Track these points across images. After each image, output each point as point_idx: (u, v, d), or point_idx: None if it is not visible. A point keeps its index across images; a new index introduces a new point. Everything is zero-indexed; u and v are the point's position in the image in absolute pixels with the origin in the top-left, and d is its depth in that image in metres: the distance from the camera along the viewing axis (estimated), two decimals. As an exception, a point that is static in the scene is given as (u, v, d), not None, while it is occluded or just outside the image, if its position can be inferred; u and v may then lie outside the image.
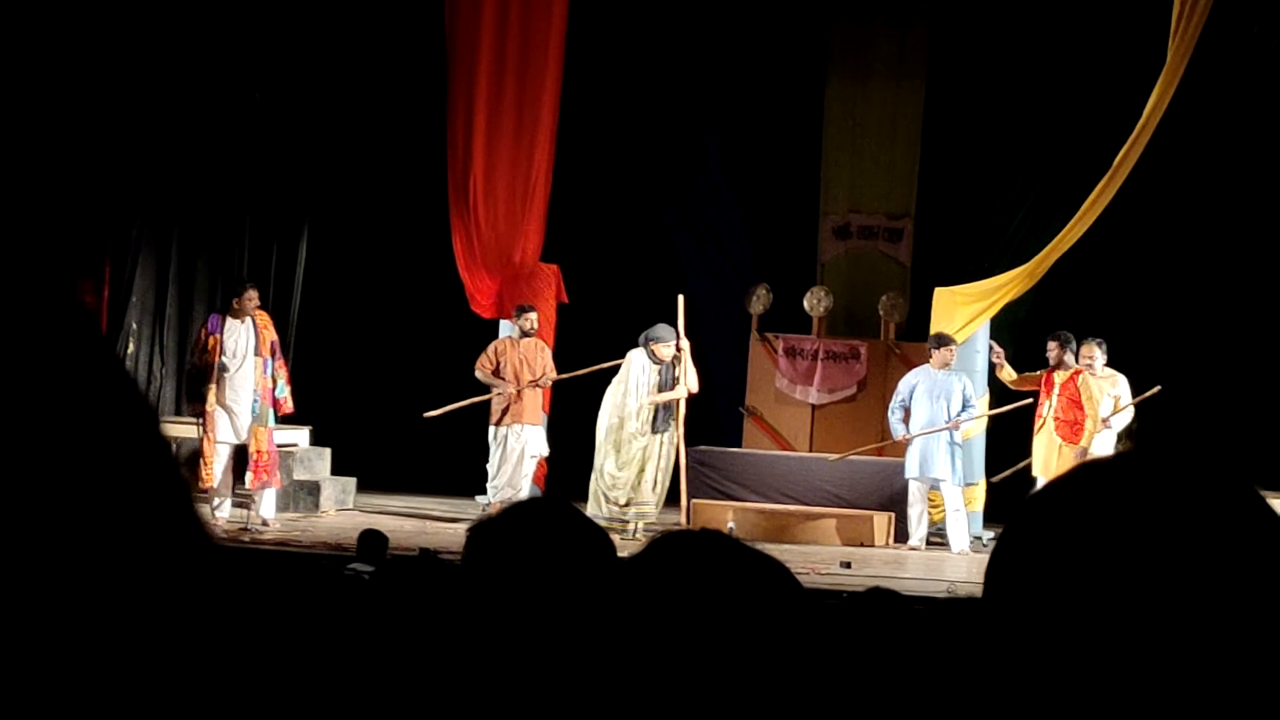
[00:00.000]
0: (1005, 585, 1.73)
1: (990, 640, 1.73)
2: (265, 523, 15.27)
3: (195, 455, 15.06)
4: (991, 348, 16.37)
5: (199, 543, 1.41)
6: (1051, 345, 15.86)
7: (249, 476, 15.15)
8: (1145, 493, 1.70)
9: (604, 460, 15.84)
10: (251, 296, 15.22)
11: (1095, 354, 15.92)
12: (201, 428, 14.99)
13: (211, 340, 15.01)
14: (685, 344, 15.97)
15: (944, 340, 16.18)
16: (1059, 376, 15.82)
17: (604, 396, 15.95)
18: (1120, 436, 16.04)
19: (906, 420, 16.22)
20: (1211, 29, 15.44)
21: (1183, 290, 18.31)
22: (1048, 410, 15.79)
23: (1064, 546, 1.67)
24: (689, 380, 15.93)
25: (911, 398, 16.18)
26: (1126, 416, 16.06)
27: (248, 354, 15.09)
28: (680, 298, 16.01)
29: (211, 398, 14.95)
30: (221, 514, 15.15)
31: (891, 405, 16.38)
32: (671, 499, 16.04)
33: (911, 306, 17.91)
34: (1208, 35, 15.40)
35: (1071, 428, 15.72)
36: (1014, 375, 16.11)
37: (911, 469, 16.15)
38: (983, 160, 18.55)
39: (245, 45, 17.94)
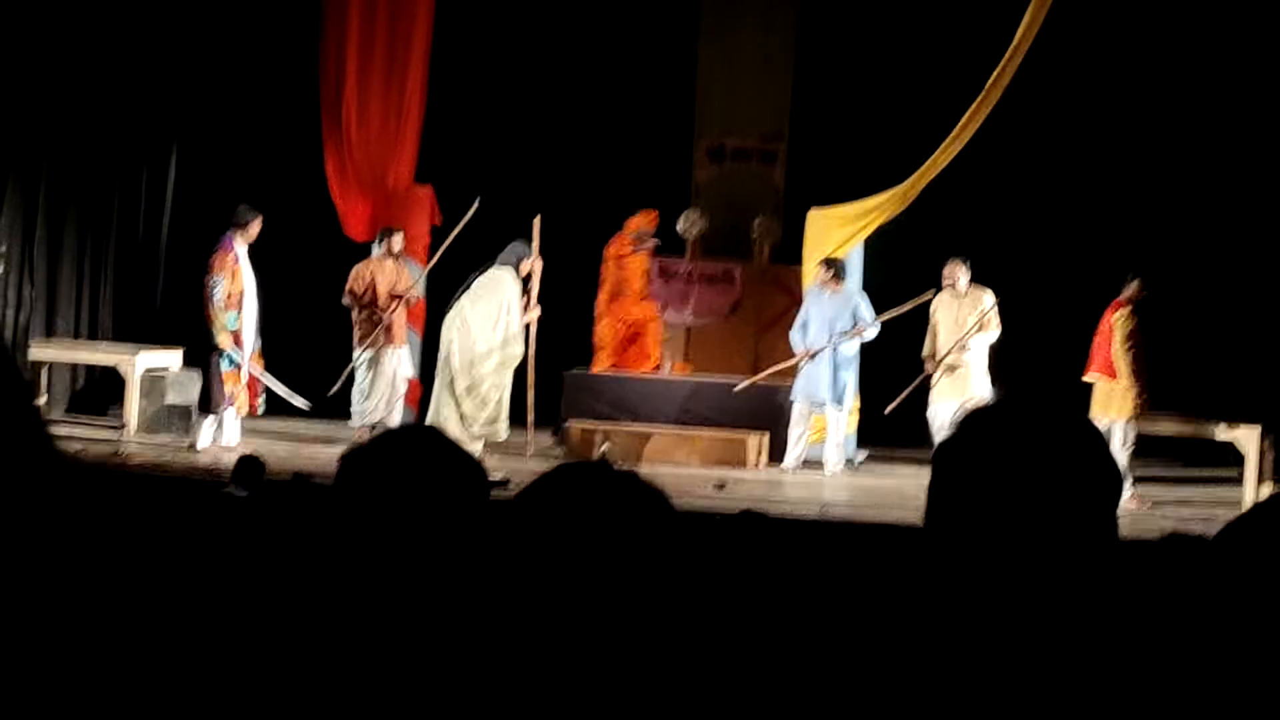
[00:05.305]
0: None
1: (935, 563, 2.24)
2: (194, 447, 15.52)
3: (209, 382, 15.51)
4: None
5: (52, 462, 1.40)
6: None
7: (244, 399, 15.61)
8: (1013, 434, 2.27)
9: (477, 384, 15.72)
10: (259, 224, 15.58)
11: (959, 272, 16.00)
12: (237, 351, 15.35)
13: (237, 268, 15.33)
14: (539, 264, 15.96)
15: (828, 264, 16.31)
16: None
17: (457, 318, 15.75)
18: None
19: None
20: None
21: (1053, 211, 18.43)
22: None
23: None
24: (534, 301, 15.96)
25: (807, 319, 16.34)
26: (992, 335, 16.05)
27: (252, 280, 15.57)
28: (537, 218, 15.91)
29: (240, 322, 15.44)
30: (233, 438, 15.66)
31: (793, 326, 16.46)
32: (520, 418, 16.02)
33: (785, 229, 17.96)
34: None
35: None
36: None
37: (797, 391, 16.27)
38: (857, 82, 18.60)
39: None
